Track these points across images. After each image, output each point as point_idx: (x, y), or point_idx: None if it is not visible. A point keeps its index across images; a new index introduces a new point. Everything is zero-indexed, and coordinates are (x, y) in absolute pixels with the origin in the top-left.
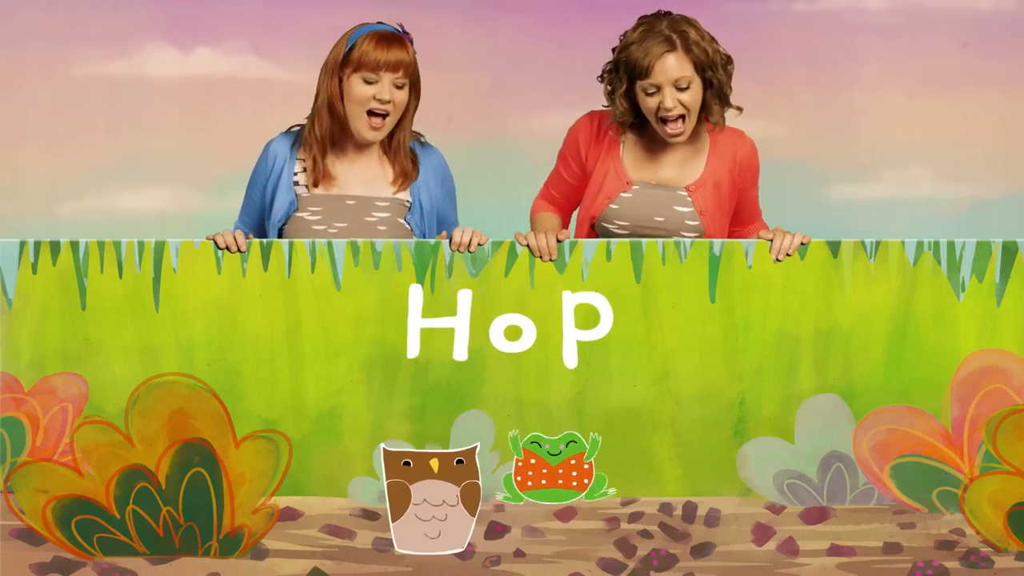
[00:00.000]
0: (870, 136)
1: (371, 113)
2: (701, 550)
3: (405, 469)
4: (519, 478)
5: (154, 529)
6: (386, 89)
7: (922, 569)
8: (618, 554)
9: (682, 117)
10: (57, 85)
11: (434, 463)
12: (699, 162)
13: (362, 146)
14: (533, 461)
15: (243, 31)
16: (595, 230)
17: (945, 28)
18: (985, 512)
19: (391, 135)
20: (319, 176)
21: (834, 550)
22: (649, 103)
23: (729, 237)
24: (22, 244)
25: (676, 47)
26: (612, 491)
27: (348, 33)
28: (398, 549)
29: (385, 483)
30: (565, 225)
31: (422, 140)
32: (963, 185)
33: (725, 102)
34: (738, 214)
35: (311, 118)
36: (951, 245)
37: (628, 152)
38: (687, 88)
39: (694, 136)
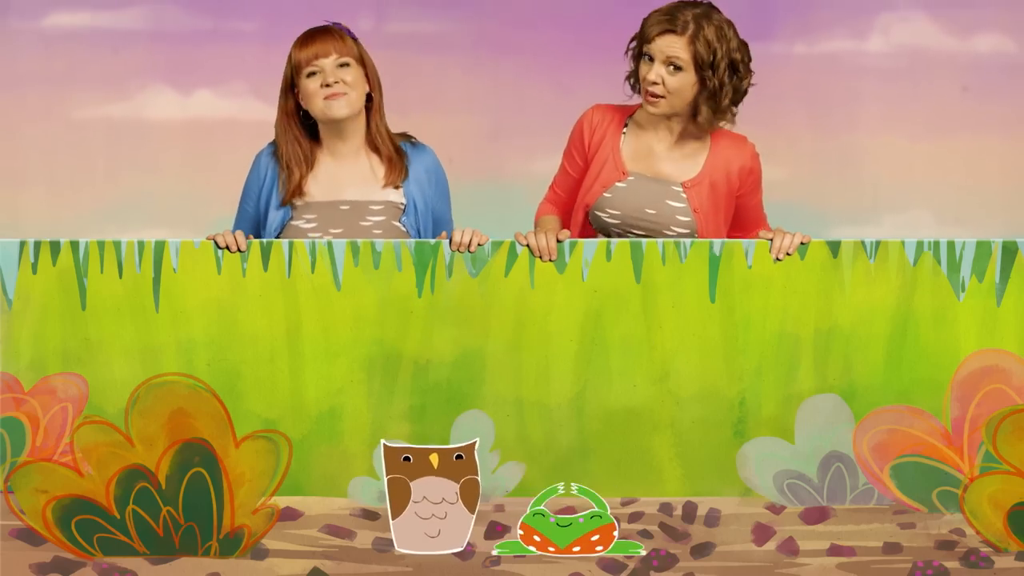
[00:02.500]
0: (871, 179)
1: (325, 97)
2: (701, 550)
3: (405, 465)
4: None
5: (154, 529)
6: (329, 72)
7: (922, 569)
8: (618, 554)
9: (662, 97)
10: (57, 127)
11: (434, 459)
12: (698, 161)
13: (346, 149)
14: (537, 538)
15: (243, 73)
16: (589, 219)
17: (945, 72)
18: (985, 512)
19: (368, 127)
20: (289, 193)
21: (834, 550)
22: (641, 69)
23: None
24: (22, 244)
25: (683, 32)
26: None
27: (288, 54)
28: (398, 548)
29: (385, 479)
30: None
31: (413, 141)
32: (964, 228)
33: (717, 109)
34: (742, 220)
35: (276, 141)
36: (951, 245)
37: (628, 144)
38: (678, 71)
39: (696, 135)
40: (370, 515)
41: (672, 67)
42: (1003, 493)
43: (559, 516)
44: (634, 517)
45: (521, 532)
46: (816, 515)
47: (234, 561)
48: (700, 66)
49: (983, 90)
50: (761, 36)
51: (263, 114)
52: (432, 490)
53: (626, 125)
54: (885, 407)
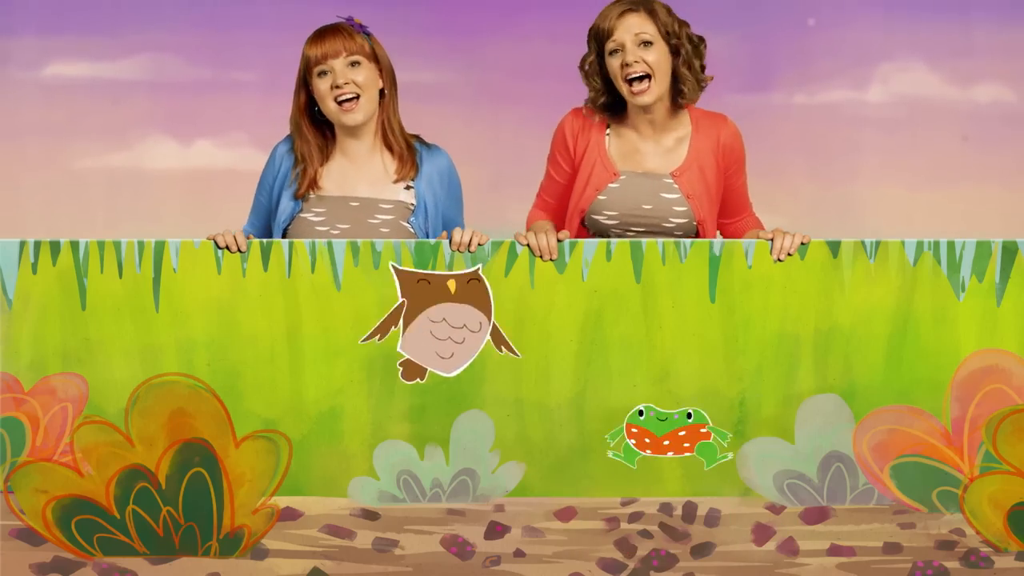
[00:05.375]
0: (871, 229)
1: (338, 100)
2: (701, 550)
3: (423, 287)
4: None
5: (154, 529)
6: (339, 74)
7: (922, 569)
8: (618, 554)
9: (648, 77)
10: (57, 177)
11: (451, 284)
12: (682, 148)
13: (360, 148)
14: (635, 430)
15: (243, 124)
16: (585, 223)
17: (945, 121)
18: (985, 512)
19: (381, 124)
20: (304, 185)
21: (834, 550)
22: (614, 64)
23: (720, 229)
24: (22, 244)
25: (638, 9)
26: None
27: (302, 51)
28: (402, 349)
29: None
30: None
31: (427, 143)
32: None
33: (697, 75)
34: (727, 204)
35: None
36: (951, 245)
37: (614, 144)
38: (650, 45)
39: (676, 122)
40: (370, 515)
41: (643, 44)
42: (1003, 493)
43: (659, 411)
44: (634, 517)
45: (634, 432)
46: (816, 515)
47: (234, 561)
48: (668, 35)
49: (983, 140)
50: (761, 87)
51: (263, 164)
52: (453, 314)
53: (608, 126)
54: (885, 407)
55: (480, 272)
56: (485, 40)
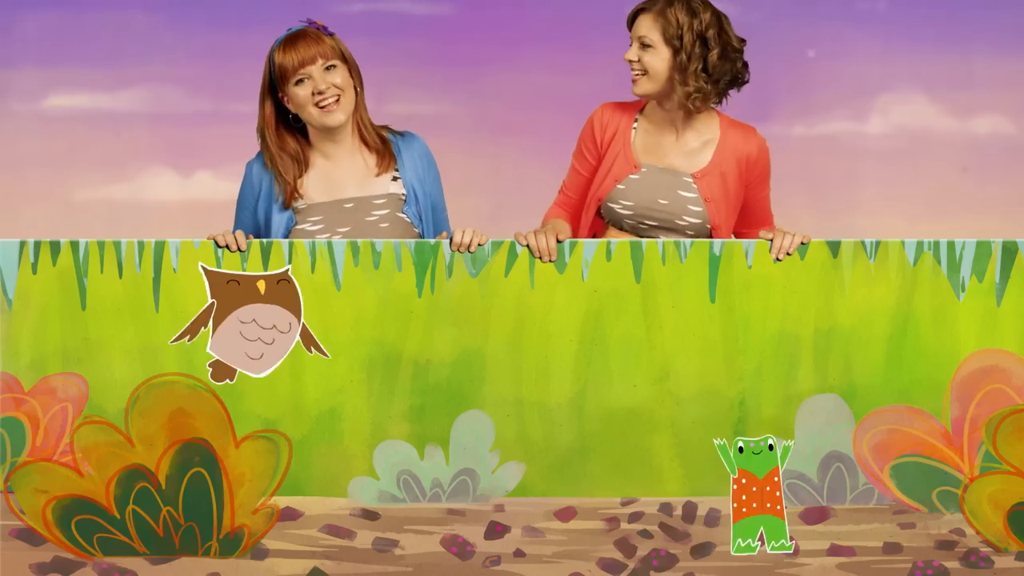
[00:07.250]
0: None
1: (320, 105)
2: (701, 550)
3: (232, 287)
4: (735, 505)
5: (154, 529)
6: (319, 79)
7: (922, 569)
8: (618, 554)
9: (643, 75)
10: (57, 208)
11: (260, 285)
12: (707, 152)
13: (340, 150)
14: (744, 481)
15: (243, 155)
16: (600, 212)
17: (945, 153)
18: (985, 512)
19: (356, 121)
20: (287, 197)
21: (834, 550)
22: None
23: (738, 238)
24: (22, 244)
25: (650, 10)
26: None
27: (266, 58)
28: (211, 350)
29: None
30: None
31: (399, 131)
32: None
33: (684, 81)
34: (748, 215)
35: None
36: (951, 245)
37: (639, 138)
38: (648, 49)
39: (703, 125)
40: (370, 515)
41: (643, 46)
42: (1003, 493)
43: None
44: (634, 517)
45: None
46: (816, 515)
47: (234, 561)
48: (669, 41)
49: (982, 171)
50: (760, 118)
51: None
52: (262, 315)
53: (636, 120)
54: (885, 407)
55: (289, 273)
56: (485, 72)
